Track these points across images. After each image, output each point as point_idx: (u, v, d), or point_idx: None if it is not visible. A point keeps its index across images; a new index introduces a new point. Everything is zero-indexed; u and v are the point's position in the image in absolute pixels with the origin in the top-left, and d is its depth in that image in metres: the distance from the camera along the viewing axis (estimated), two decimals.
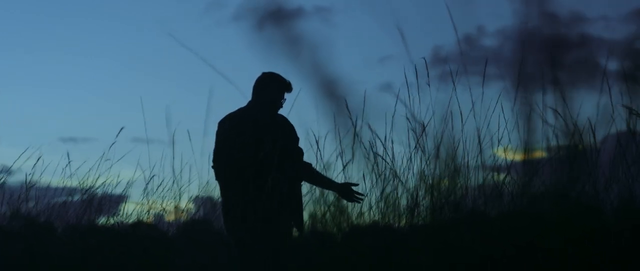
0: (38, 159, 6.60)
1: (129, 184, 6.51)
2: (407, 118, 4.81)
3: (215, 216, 6.00)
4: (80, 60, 14.64)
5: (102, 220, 6.56)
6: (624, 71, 4.41)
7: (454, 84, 4.73)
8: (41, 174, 6.59)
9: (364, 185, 4.83)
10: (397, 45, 4.70)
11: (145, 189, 6.28)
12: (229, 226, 4.81)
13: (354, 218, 4.84)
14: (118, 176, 6.50)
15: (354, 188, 4.85)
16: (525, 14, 4.46)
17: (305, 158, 4.95)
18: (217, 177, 4.88)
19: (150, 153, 6.16)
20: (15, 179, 6.66)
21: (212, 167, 4.90)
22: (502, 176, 4.60)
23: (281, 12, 4.75)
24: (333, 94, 4.69)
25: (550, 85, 4.42)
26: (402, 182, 4.73)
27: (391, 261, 4.39)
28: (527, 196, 4.45)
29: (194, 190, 6.11)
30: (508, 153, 4.66)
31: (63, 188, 6.56)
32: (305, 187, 4.95)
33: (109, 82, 14.09)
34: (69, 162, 6.49)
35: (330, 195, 4.91)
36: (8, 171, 6.58)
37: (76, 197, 6.53)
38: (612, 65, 4.47)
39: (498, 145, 4.69)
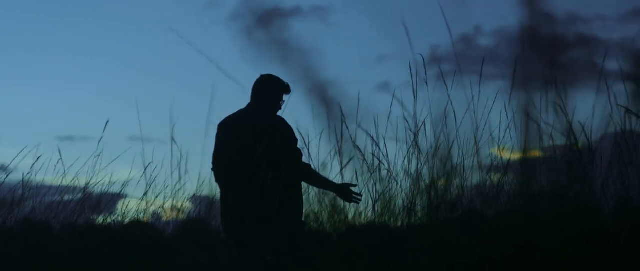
0: (37, 159, 6.59)
1: (126, 183, 6.50)
2: (405, 119, 4.82)
3: (211, 216, 5.99)
4: (80, 60, 14.62)
5: (99, 219, 6.55)
6: (622, 71, 4.41)
7: (445, 84, 4.73)
8: (37, 173, 6.59)
9: (359, 185, 4.84)
10: (395, 44, 4.70)
11: (145, 187, 6.27)
12: (228, 228, 4.82)
13: (350, 217, 4.84)
14: (111, 175, 6.48)
15: (352, 188, 4.86)
16: (522, 14, 4.47)
17: None
18: (217, 179, 4.89)
19: (149, 152, 6.16)
20: (13, 178, 6.66)
21: (212, 169, 4.91)
22: (499, 176, 4.60)
23: (278, 11, 4.75)
24: (325, 96, 4.69)
25: (548, 85, 4.42)
26: (396, 182, 4.73)
27: (388, 261, 4.39)
28: (524, 196, 4.44)
29: (192, 189, 6.11)
30: (505, 152, 4.67)
31: (58, 187, 6.54)
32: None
33: (109, 82, 14.07)
34: (68, 165, 6.49)
35: (328, 195, 4.91)
36: (6, 170, 6.57)
37: (76, 196, 6.53)
38: (610, 65, 4.47)
39: (497, 145, 4.69)
